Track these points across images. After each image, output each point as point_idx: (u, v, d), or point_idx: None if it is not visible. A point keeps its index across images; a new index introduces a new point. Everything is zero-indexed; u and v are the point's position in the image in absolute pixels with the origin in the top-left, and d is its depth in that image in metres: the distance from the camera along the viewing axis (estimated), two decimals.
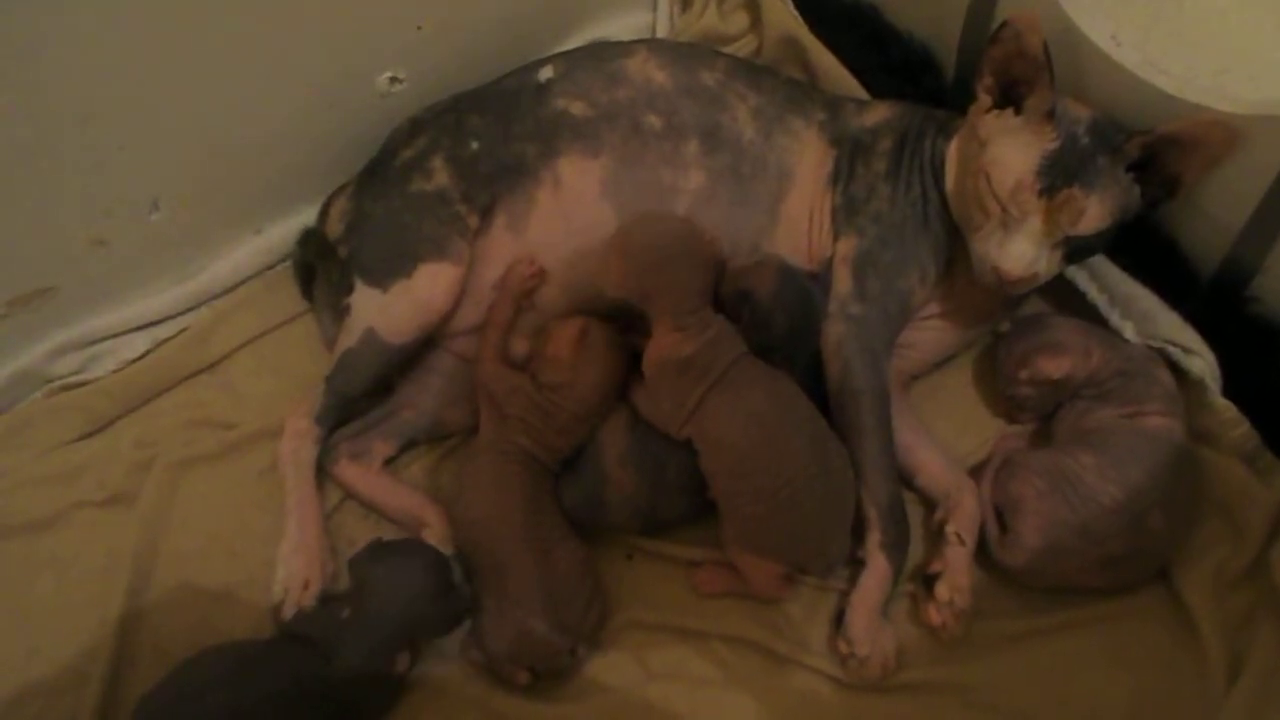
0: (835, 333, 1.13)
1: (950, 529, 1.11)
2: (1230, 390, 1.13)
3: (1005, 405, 1.22)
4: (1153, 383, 1.13)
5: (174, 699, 1.01)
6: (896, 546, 1.09)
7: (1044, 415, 1.20)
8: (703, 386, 1.06)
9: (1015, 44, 1.05)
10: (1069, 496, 1.07)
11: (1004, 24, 1.06)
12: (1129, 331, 1.17)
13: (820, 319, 1.14)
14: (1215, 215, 1.13)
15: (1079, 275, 1.21)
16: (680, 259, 1.09)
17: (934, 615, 1.08)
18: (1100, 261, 1.19)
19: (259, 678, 1.02)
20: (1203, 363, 1.13)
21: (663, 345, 1.09)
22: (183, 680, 1.02)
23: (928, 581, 1.10)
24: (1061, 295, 1.23)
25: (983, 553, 1.12)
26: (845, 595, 1.10)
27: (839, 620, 1.09)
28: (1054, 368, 1.15)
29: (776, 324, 1.11)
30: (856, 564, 1.11)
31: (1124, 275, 1.19)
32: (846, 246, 1.16)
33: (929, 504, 1.16)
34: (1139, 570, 1.08)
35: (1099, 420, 1.13)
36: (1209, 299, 1.17)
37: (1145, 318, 1.17)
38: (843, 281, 1.15)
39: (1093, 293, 1.20)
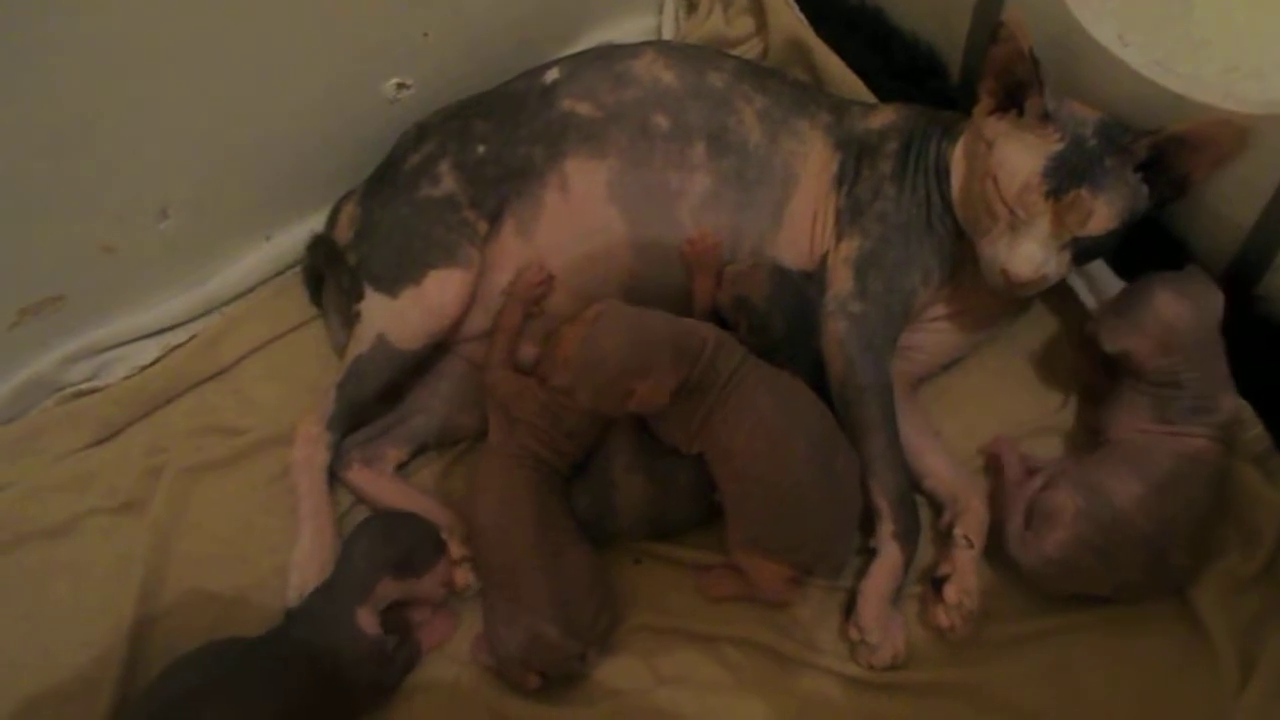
0: (836, 330, 1.13)
1: (958, 532, 1.10)
2: (1240, 391, 1.12)
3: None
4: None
5: (153, 694, 1.03)
6: (908, 536, 1.10)
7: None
8: (706, 404, 1.05)
9: (1015, 45, 1.05)
10: (1102, 520, 1.04)
11: (1000, 25, 1.05)
12: None
13: (818, 317, 1.14)
14: (1224, 214, 1.12)
15: (1077, 282, 1.20)
16: (651, 359, 1.03)
17: (942, 617, 1.08)
18: (1098, 267, 1.19)
19: (244, 669, 1.04)
20: None
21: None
22: (165, 677, 1.04)
23: (936, 584, 1.10)
24: (1061, 301, 1.23)
25: (993, 554, 1.11)
26: (856, 582, 1.10)
27: (850, 609, 1.10)
28: (1110, 342, 1.09)
29: (774, 326, 1.11)
30: (868, 554, 1.11)
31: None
32: (849, 247, 1.16)
33: (937, 507, 1.16)
34: (1151, 595, 1.08)
35: (1144, 433, 1.08)
36: None
37: None
38: (843, 280, 1.15)
39: (1091, 302, 1.20)
